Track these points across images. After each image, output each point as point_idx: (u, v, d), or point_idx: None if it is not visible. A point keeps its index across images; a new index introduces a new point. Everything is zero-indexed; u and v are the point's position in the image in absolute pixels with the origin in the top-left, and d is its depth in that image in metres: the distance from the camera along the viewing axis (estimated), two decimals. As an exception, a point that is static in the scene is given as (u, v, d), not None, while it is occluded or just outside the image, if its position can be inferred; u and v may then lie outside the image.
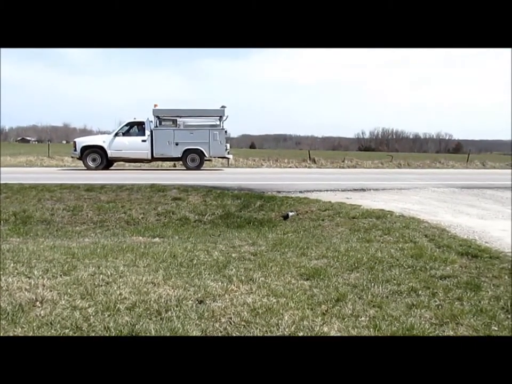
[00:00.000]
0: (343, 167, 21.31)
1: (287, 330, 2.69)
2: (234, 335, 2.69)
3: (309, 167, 21.15)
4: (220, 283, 3.48)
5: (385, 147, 69.46)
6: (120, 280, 3.47)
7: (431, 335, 2.67)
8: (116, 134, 15.46)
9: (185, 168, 15.94)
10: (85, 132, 78.04)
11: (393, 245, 4.74)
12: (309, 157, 23.91)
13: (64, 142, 63.95)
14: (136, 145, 15.44)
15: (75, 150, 15.40)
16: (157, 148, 15.57)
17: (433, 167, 21.65)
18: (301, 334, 2.67)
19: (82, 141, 15.62)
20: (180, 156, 15.84)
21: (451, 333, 2.70)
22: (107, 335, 2.67)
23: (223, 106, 16.23)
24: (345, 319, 2.86)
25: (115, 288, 3.28)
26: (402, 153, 44.75)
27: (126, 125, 15.90)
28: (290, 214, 7.18)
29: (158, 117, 15.77)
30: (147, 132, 15.57)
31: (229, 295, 3.23)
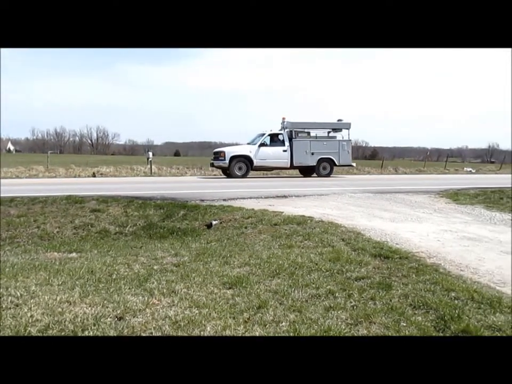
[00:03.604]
0: (266, 175, 21.70)
1: (209, 341, 2.68)
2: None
3: (233, 175, 21.25)
4: (140, 297, 3.39)
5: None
6: (32, 301, 3.25)
7: (346, 335, 2.80)
8: (260, 145, 17.19)
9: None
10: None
11: (313, 249, 4.92)
12: (233, 165, 24.05)
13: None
14: (278, 154, 17.33)
15: (223, 159, 16.82)
16: (296, 157, 17.57)
17: (350, 173, 22.74)
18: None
19: (231, 151, 17.16)
20: (314, 164, 17.86)
21: (364, 332, 2.86)
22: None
23: (339, 120, 18.63)
24: (267, 326, 2.92)
25: (25, 310, 3.07)
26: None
27: (268, 136, 17.57)
28: (214, 222, 7.18)
29: (290, 129, 17.80)
30: (286, 143, 17.49)
31: (150, 309, 3.16)
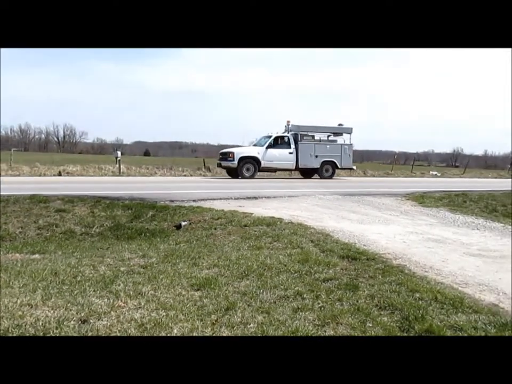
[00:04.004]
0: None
1: (175, 344, 2.64)
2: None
3: (203, 175, 21.19)
4: (105, 300, 3.31)
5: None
6: (-10, 304, 3.13)
7: (312, 335, 2.82)
8: (267, 147, 17.71)
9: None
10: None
11: (282, 251, 4.94)
12: (204, 165, 23.96)
13: None
14: (284, 156, 17.97)
15: (232, 160, 17.15)
16: (302, 159, 18.25)
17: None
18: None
19: (240, 152, 17.63)
20: (318, 166, 18.58)
21: (331, 332, 2.88)
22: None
23: (340, 124, 19.51)
24: (235, 327, 2.90)
25: (-17, 314, 2.95)
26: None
27: (275, 138, 18.13)
28: (183, 223, 7.11)
29: (295, 132, 18.46)
30: (292, 145, 18.12)
31: (116, 311, 3.10)
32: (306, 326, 2.94)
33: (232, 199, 9.42)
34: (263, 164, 17.62)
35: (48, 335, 2.70)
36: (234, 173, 17.62)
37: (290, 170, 18.96)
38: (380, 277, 4.01)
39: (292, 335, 2.80)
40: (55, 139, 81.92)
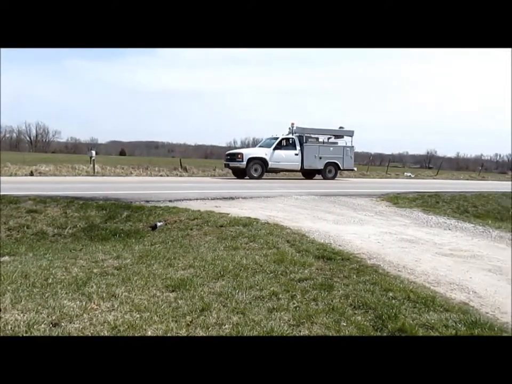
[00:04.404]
0: (214, 176, 21.64)
1: (149, 346, 2.61)
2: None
3: (180, 176, 21.02)
4: (78, 302, 3.25)
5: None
6: (-44, 307, 3.03)
7: (287, 335, 2.83)
8: (275, 148, 18.14)
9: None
10: None
11: (258, 251, 4.94)
12: (180, 165, 23.79)
13: None
14: (290, 157, 18.49)
15: (241, 160, 17.50)
16: (307, 160, 18.86)
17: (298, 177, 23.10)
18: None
19: (248, 153, 18.07)
20: (322, 168, 19.28)
21: (306, 332, 2.90)
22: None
23: (341, 127, 20.21)
24: (210, 328, 2.89)
25: (-51, 317, 2.85)
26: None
27: (281, 140, 18.58)
28: (159, 224, 7.04)
29: (299, 134, 19.04)
30: (298, 147, 18.70)
31: (88, 314, 3.04)
32: (282, 326, 2.95)
33: (208, 199, 9.38)
34: (270, 164, 18.06)
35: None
36: (240, 174, 18.06)
37: (295, 171, 19.50)
38: (355, 276, 4.05)
39: (266, 335, 2.80)
40: (27, 138, 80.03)
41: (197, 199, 9.25)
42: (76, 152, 61.10)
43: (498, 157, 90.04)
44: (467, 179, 29.22)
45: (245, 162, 17.56)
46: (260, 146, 19.43)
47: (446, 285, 4.00)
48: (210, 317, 3.05)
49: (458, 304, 3.50)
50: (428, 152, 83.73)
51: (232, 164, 18.30)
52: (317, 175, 19.84)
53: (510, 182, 21.34)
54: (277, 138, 18.75)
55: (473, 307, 3.46)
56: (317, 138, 19.82)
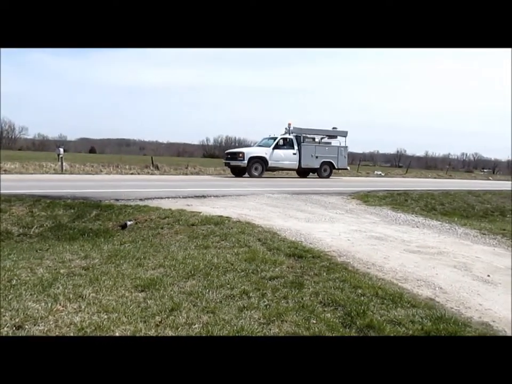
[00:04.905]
0: (186, 174, 21.48)
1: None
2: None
3: (151, 174, 20.77)
4: (43, 304, 3.16)
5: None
6: None
7: (258, 334, 2.83)
8: (274, 147, 18.69)
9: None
10: None
11: (229, 250, 4.92)
12: (152, 163, 23.50)
13: None
14: (289, 157, 19.10)
15: (242, 159, 17.87)
16: (304, 160, 19.52)
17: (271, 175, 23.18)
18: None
19: (249, 152, 18.47)
20: (318, 167, 20.00)
21: (276, 330, 2.90)
22: None
23: (334, 128, 20.99)
24: (179, 328, 2.86)
25: None
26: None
27: (280, 140, 19.14)
28: (129, 223, 6.93)
29: (297, 134, 19.66)
30: (295, 147, 19.31)
31: (54, 316, 2.96)
32: (252, 324, 2.95)
33: (180, 197, 9.29)
34: (270, 163, 18.55)
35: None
36: (240, 172, 18.35)
37: (293, 170, 20.02)
38: (325, 274, 4.09)
39: (236, 334, 2.80)
40: (-9, 134, 77.33)
41: (168, 198, 9.15)
42: (44, 150, 59.47)
43: (464, 156, 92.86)
44: (435, 177, 30.00)
45: (246, 161, 17.91)
46: (259, 146, 19.83)
47: (413, 281, 4.09)
48: (180, 317, 3.03)
49: (424, 300, 3.58)
50: (398, 151, 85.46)
51: (233, 163, 18.59)
52: (311, 174, 20.55)
53: (475, 180, 22.03)
54: (275, 138, 19.23)
55: (439, 303, 3.55)
56: (313, 138, 20.44)
